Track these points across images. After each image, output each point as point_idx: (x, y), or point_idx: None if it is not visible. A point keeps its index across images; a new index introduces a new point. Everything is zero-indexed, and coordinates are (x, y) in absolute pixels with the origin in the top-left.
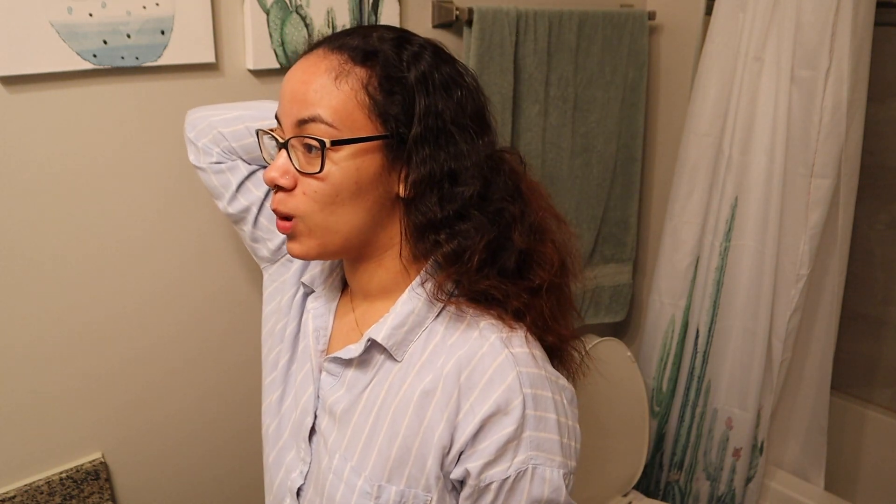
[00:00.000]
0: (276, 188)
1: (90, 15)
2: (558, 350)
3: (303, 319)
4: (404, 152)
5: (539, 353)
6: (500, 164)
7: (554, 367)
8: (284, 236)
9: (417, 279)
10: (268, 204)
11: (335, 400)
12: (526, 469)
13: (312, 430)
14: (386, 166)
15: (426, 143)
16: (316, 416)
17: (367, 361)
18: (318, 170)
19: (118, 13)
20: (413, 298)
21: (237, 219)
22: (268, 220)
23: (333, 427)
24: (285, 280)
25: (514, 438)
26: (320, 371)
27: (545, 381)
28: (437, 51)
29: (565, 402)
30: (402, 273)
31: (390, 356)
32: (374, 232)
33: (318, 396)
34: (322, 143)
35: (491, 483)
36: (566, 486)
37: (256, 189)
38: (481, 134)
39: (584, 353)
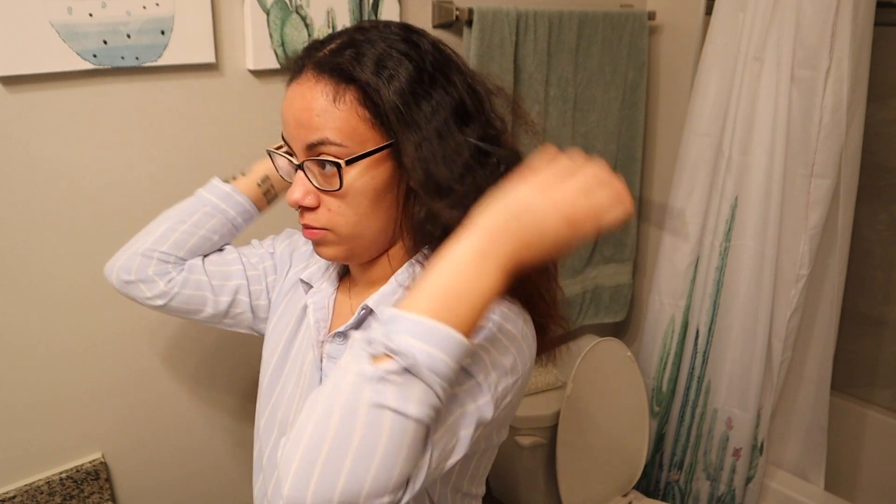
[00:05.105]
0: (301, 208)
1: (90, 15)
2: (542, 324)
3: (304, 317)
4: (406, 155)
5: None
6: (493, 145)
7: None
8: (265, 286)
9: (416, 258)
10: (250, 273)
11: None
12: None
13: None
14: (397, 168)
15: (422, 145)
16: None
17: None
18: (337, 187)
19: (118, 13)
20: (406, 271)
21: (229, 310)
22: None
23: None
24: (281, 303)
25: None
26: (322, 359)
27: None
28: (418, 53)
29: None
30: (404, 259)
31: None
32: (392, 229)
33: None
34: (338, 164)
35: None
36: None
37: (230, 265)
38: (468, 123)
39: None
